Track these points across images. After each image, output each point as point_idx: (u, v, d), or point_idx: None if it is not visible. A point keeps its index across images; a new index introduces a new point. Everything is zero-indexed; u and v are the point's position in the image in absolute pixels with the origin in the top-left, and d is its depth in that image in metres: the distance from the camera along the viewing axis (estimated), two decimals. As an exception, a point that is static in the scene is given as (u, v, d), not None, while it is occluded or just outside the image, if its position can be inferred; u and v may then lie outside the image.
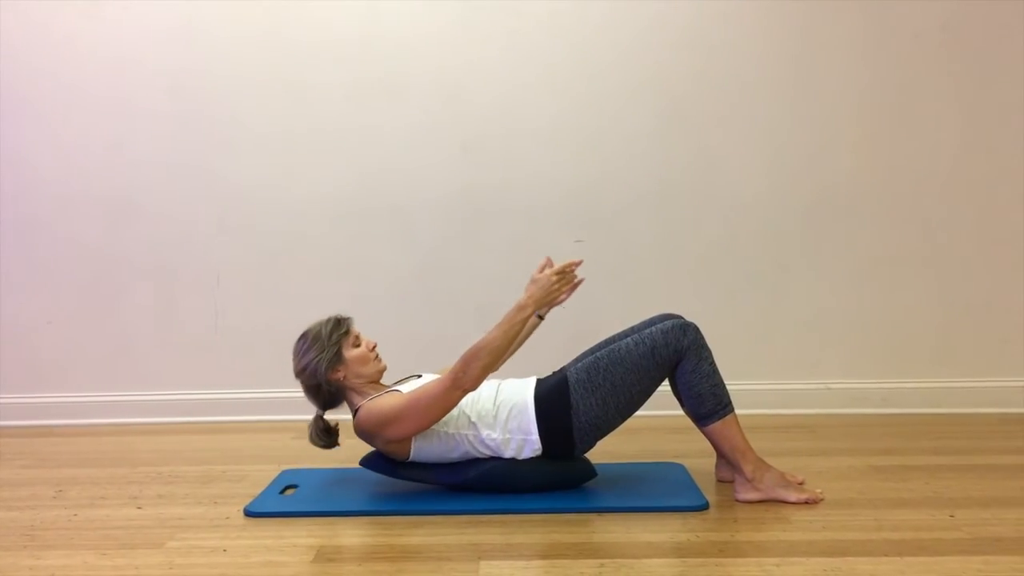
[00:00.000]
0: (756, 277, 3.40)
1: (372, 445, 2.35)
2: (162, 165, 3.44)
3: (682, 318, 2.37)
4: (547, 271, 2.24)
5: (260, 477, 2.58)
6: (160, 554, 1.99)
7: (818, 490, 2.28)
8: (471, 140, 3.41)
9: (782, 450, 2.69)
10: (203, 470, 2.71)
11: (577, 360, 2.37)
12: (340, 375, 2.33)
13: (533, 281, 2.26)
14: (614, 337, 2.41)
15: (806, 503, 2.22)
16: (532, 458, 2.30)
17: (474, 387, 2.20)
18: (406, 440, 2.28)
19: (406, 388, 2.31)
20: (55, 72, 3.41)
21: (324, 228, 3.44)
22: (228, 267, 3.46)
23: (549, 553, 1.97)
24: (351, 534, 2.11)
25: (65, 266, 3.47)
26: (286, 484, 2.47)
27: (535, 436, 2.27)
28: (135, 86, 3.42)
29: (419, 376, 2.45)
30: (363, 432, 2.30)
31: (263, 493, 2.40)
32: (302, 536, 2.08)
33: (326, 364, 2.30)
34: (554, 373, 2.38)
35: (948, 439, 2.94)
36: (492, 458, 2.31)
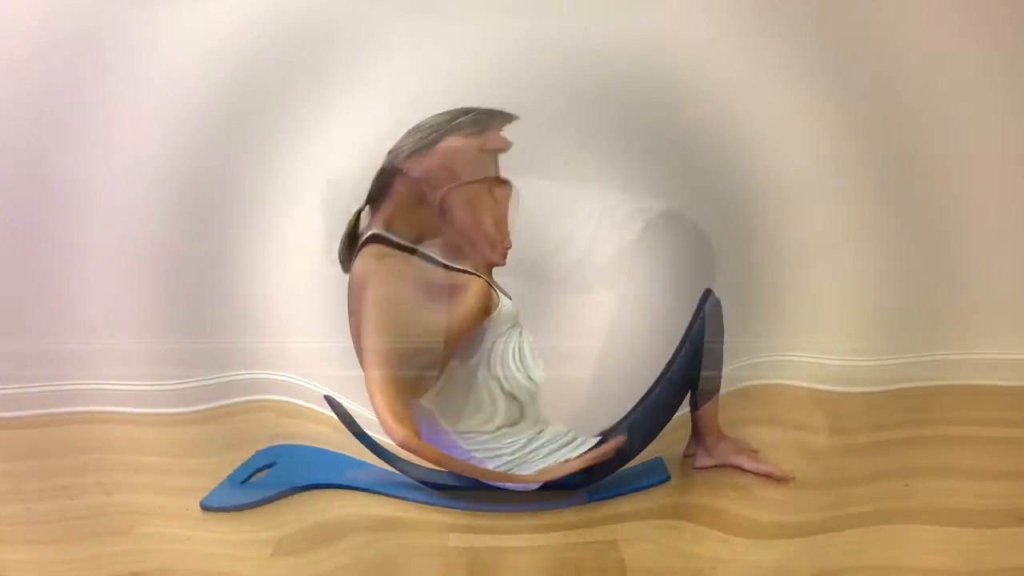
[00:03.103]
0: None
1: None
2: (113, 152, 3.36)
3: (709, 296, 2.35)
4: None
5: (224, 464, 2.51)
6: (126, 542, 1.97)
7: (779, 466, 2.31)
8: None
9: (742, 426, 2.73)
10: (165, 461, 2.66)
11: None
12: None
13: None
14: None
15: (767, 476, 2.25)
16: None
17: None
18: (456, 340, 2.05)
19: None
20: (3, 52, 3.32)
21: (279, 215, 3.38)
22: (187, 251, 3.39)
23: (512, 530, 1.99)
24: (319, 510, 2.11)
25: (18, 253, 3.38)
26: (255, 468, 2.44)
27: None
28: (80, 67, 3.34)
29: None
30: None
31: (229, 479, 2.37)
32: (266, 525, 2.07)
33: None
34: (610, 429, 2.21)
35: (905, 412, 2.99)
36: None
